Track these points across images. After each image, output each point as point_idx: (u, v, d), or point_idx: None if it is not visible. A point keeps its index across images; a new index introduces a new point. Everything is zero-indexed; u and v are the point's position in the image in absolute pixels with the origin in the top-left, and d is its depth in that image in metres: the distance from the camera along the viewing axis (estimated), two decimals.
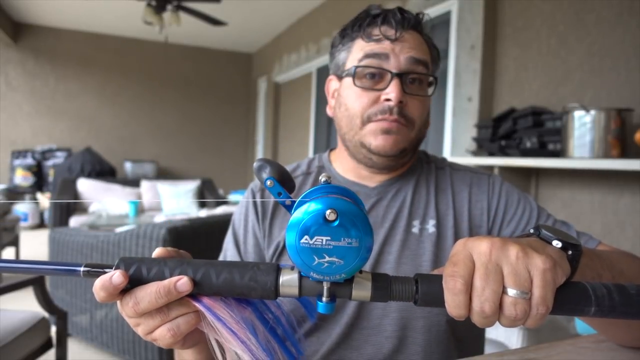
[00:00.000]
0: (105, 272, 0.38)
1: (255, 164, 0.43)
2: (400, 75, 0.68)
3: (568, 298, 0.38)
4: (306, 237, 0.35)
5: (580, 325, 1.58)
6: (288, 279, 0.39)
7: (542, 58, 2.29)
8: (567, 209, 2.13)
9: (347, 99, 0.72)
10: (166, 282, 0.38)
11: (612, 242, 1.88)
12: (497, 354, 0.56)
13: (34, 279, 1.59)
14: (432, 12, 3.07)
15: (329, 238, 0.35)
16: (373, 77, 0.70)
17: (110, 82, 6.50)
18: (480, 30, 2.55)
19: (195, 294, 0.39)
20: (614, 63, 1.96)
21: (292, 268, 0.39)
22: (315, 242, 0.35)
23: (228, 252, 0.78)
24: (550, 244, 0.40)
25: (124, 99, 6.62)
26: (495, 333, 1.74)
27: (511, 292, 0.36)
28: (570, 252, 0.40)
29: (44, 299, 1.62)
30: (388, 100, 0.68)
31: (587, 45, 2.07)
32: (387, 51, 0.68)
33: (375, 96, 0.69)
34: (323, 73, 4.94)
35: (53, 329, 1.67)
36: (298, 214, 0.35)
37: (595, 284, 0.39)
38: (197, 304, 0.39)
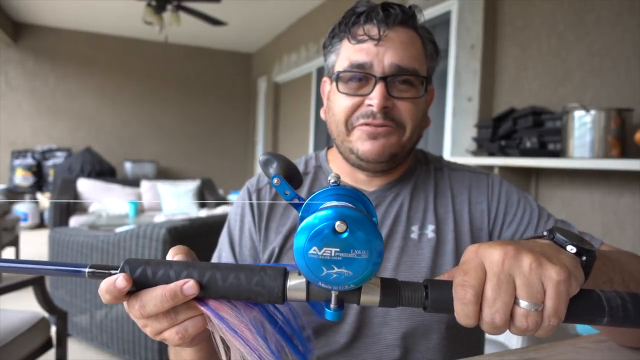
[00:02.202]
0: (110, 274, 0.38)
1: (261, 158, 0.42)
2: (385, 79, 0.65)
3: (581, 308, 0.37)
4: (314, 248, 0.34)
5: (580, 325, 1.58)
6: (295, 284, 0.38)
7: (542, 58, 2.29)
8: (567, 209, 2.13)
9: (334, 104, 0.71)
10: (172, 285, 0.37)
11: (612, 242, 1.88)
12: (497, 354, 0.56)
13: (34, 279, 1.59)
14: (432, 12, 3.07)
15: (337, 249, 0.34)
16: (359, 81, 0.68)
17: (110, 82, 6.50)
18: (480, 30, 2.55)
19: (201, 297, 0.39)
20: (614, 63, 1.96)
21: (300, 272, 0.38)
22: (324, 254, 0.34)
23: (223, 253, 0.76)
24: (565, 248, 0.39)
25: (124, 99, 6.61)
26: None
27: (523, 304, 0.35)
28: (584, 258, 0.39)
29: (44, 299, 1.62)
30: (371, 105, 0.66)
31: (587, 45, 2.07)
32: (371, 56, 0.66)
33: (359, 101, 0.67)
34: (323, 73, 4.92)
35: (53, 329, 1.67)
36: (306, 222, 0.34)
37: (609, 294, 0.38)
38: (203, 308, 0.39)
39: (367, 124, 0.67)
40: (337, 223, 0.33)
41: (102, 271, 0.38)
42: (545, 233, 0.42)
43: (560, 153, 1.93)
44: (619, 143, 1.73)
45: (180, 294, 0.37)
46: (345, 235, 0.34)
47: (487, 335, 1.73)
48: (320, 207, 0.38)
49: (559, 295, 0.35)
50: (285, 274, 0.38)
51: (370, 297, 0.38)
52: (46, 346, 1.63)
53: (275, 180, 0.40)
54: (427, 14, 3.10)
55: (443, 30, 2.99)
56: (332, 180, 0.40)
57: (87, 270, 0.38)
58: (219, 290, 0.38)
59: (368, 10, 0.67)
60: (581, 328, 1.57)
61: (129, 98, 6.64)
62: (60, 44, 6.19)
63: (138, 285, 0.38)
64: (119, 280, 0.37)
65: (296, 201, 0.41)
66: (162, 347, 1.88)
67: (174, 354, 0.58)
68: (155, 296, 0.37)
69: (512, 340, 1.67)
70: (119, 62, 6.53)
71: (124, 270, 0.38)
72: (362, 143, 0.68)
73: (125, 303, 0.39)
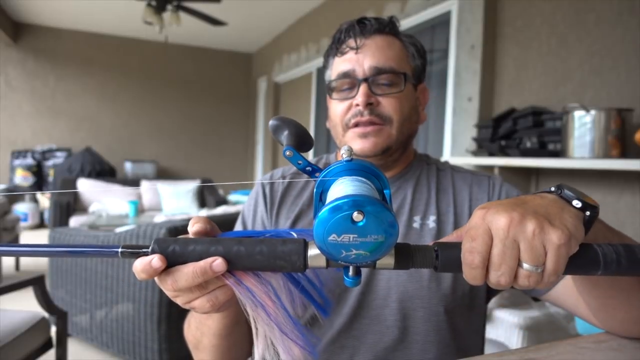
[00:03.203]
0: (142, 253, 0.41)
1: (271, 123, 0.43)
2: (367, 80, 0.73)
3: (578, 263, 0.41)
4: (334, 235, 0.35)
5: (581, 325, 1.58)
6: (315, 254, 0.40)
7: (542, 58, 2.29)
8: None
9: (330, 112, 0.80)
10: (202, 263, 0.40)
11: None
12: (497, 354, 0.56)
13: (34, 279, 1.59)
14: (432, 12, 3.07)
15: (355, 235, 0.35)
16: (347, 89, 0.76)
17: (110, 82, 6.50)
18: (480, 30, 2.55)
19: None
20: (614, 63, 1.96)
21: None
22: (343, 240, 0.36)
23: None
24: (571, 203, 0.42)
25: (124, 99, 6.61)
26: (495, 333, 1.74)
27: (526, 266, 0.38)
28: (588, 213, 0.42)
29: (44, 299, 1.62)
30: (357, 105, 0.74)
31: (587, 45, 2.07)
32: (353, 63, 0.75)
33: (349, 104, 0.76)
34: (323, 73, 4.93)
35: (53, 329, 1.67)
36: (324, 213, 0.35)
37: (605, 248, 0.41)
38: (228, 281, 0.42)
39: (357, 125, 0.74)
40: (355, 214, 0.35)
41: (134, 250, 0.41)
42: (553, 188, 0.45)
43: (560, 153, 1.93)
44: (619, 143, 1.73)
45: (210, 271, 0.40)
46: (362, 223, 0.35)
47: (487, 335, 1.73)
48: (335, 186, 0.39)
49: (559, 258, 0.38)
50: (305, 245, 0.41)
51: (385, 260, 0.40)
52: (46, 346, 1.63)
53: (287, 153, 0.42)
54: (427, 14, 3.10)
55: (443, 30, 2.99)
56: (345, 155, 0.41)
57: (120, 250, 0.41)
58: (245, 264, 0.41)
59: (347, 26, 0.77)
60: (581, 328, 1.57)
61: (129, 98, 6.63)
62: (60, 44, 6.18)
63: (169, 262, 0.41)
64: (155, 260, 0.40)
65: (309, 169, 0.43)
66: (162, 347, 1.88)
67: (197, 326, 0.63)
68: (187, 272, 0.41)
69: (512, 340, 1.67)
70: (119, 62, 6.52)
71: (155, 250, 0.41)
72: (354, 142, 0.75)
73: (157, 278, 0.42)
